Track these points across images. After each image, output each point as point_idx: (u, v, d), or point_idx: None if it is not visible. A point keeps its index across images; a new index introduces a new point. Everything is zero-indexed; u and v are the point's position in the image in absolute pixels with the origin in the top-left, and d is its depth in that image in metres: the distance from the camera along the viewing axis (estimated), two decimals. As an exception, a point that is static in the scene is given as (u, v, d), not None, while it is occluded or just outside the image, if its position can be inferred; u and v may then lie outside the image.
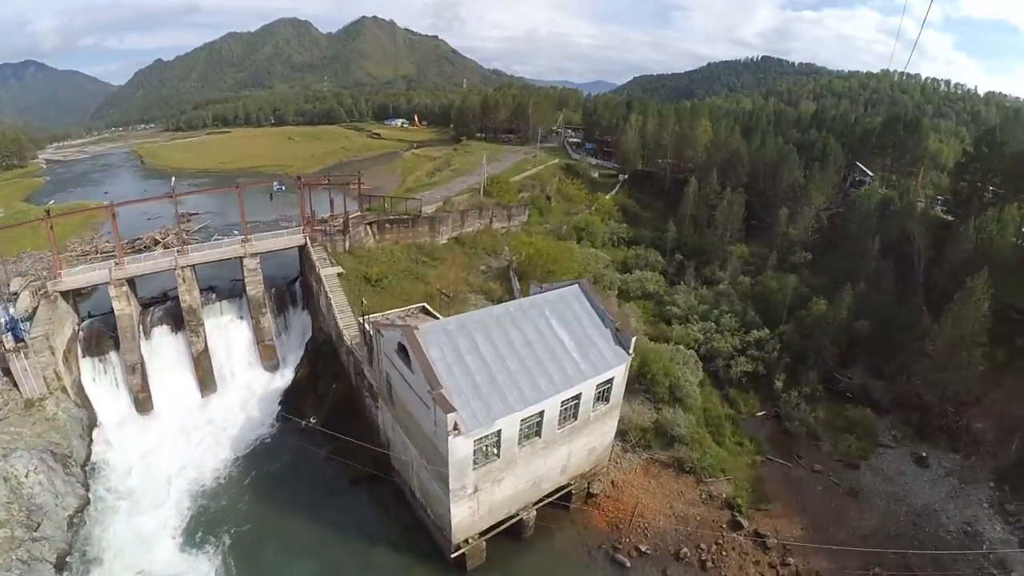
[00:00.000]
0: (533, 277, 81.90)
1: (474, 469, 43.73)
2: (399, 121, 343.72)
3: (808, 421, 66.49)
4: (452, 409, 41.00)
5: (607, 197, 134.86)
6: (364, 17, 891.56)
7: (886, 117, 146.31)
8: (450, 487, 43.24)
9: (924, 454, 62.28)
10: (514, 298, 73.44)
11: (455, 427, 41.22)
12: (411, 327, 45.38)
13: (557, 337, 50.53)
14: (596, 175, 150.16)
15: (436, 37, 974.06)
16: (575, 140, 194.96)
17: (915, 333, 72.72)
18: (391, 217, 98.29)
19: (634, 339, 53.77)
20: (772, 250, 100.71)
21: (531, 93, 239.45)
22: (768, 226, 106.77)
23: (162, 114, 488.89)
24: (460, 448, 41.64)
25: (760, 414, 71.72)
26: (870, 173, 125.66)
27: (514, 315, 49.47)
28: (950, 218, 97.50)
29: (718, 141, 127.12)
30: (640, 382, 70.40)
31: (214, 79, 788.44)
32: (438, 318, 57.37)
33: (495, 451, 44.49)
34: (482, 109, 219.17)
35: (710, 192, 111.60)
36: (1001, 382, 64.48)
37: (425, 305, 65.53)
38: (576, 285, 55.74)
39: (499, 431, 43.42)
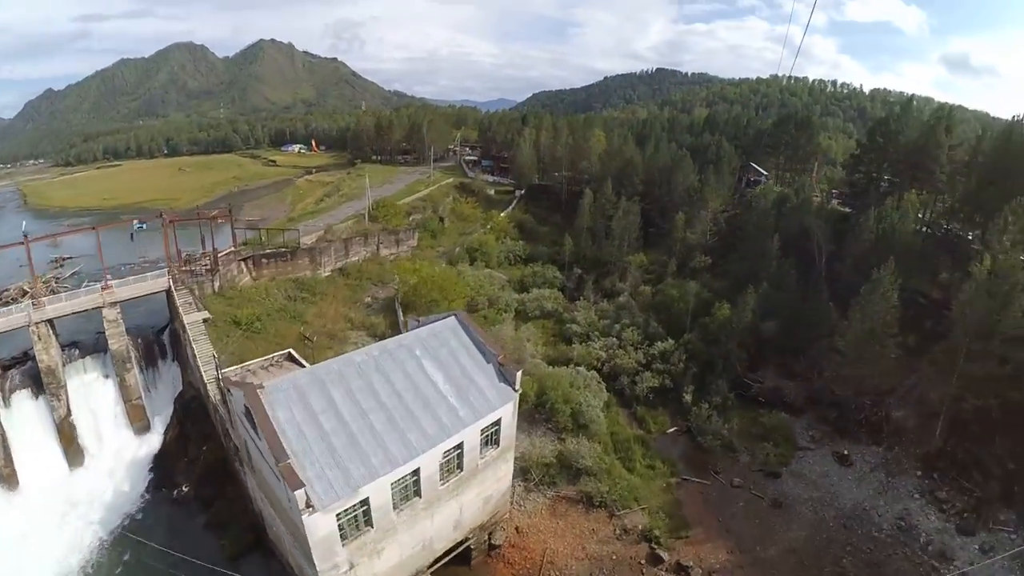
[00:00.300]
0: (418, 308, 75.15)
1: (344, 545, 36.97)
2: (296, 147, 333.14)
3: (721, 433, 63.08)
4: (301, 484, 33.26)
5: (502, 215, 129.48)
6: (262, 40, 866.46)
7: (777, 118, 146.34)
8: (317, 569, 36.53)
9: (846, 452, 60.33)
10: (400, 332, 66.22)
11: (308, 504, 33.62)
12: (253, 386, 37.39)
13: (430, 381, 43.39)
14: (492, 192, 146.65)
15: (336, 59, 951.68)
16: (471, 158, 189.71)
17: (823, 329, 70.21)
18: (268, 251, 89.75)
19: (519, 373, 47.22)
20: (671, 257, 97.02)
21: (426, 112, 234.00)
22: (666, 233, 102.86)
23: (52, 148, 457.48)
24: (320, 526, 34.86)
25: (671, 431, 67.09)
26: (764, 172, 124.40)
27: (379, 361, 42.60)
28: (847, 210, 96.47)
29: (612, 151, 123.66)
30: (540, 411, 64.28)
31: (107, 108, 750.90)
32: (304, 366, 50.33)
33: (366, 521, 37.82)
34: (376, 131, 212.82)
35: (605, 203, 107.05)
36: (916, 367, 62.65)
37: (291, 352, 57.69)
38: (452, 317, 49.65)
39: (366, 499, 36.71)
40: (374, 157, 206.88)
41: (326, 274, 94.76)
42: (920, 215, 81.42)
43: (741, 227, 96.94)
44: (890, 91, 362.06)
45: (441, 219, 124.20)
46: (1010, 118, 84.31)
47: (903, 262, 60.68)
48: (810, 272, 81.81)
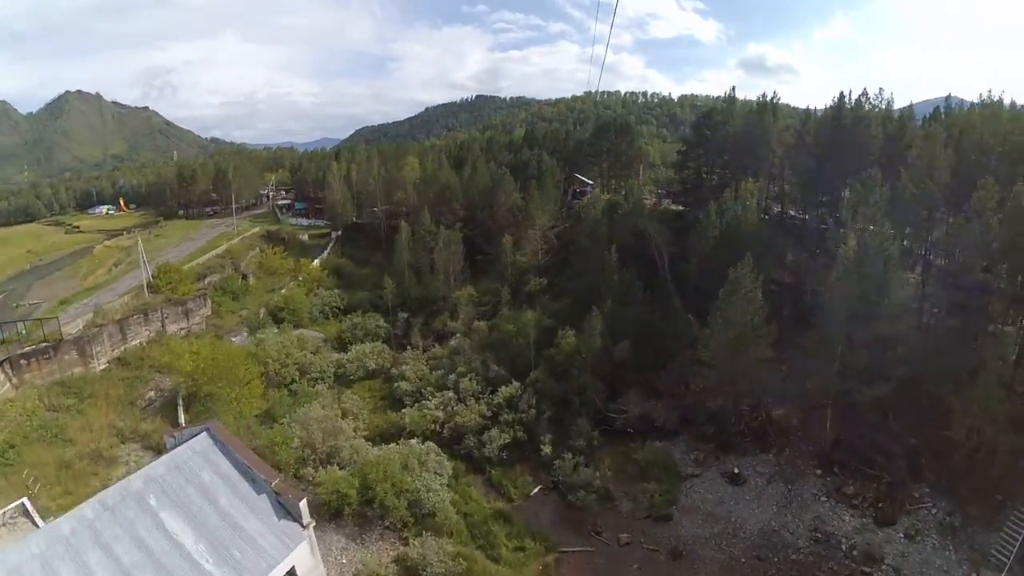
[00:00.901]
0: (197, 402, 59.00)
1: None
2: (104, 208, 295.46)
3: (594, 484, 52.67)
4: None
5: (315, 262, 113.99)
6: (68, 92, 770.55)
7: (595, 127, 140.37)
8: None
9: (736, 469, 53.13)
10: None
11: None
12: None
13: (174, 544, 28.30)
14: (306, 237, 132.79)
15: (147, 109, 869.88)
16: (284, 202, 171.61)
17: (684, 340, 62.09)
18: (27, 349, 69.43)
19: (303, 502, 33.10)
20: (504, 284, 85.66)
21: (232, 158, 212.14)
22: (495, 258, 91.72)
23: None
24: None
25: (535, 492, 55.51)
26: (590, 182, 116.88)
27: (95, 527, 27.79)
28: (681, 208, 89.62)
29: (427, 177, 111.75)
30: (371, 509, 50.17)
31: None
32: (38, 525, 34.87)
33: None
34: (179, 183, 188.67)
35: (425, 234, 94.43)
36: (785, 358, 56.08)
37: (25, 503, 40.33)
38: (204, 434, 34.47)
39: None
40: (180, 212, 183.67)
41: (102, 367, 74.80)
42: (756, 203, 75.55)
43: (574, 240, 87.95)
44: (697, 95, 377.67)
45: (244, 277, 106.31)
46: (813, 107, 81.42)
47: (754, 253, 54.95)
48: (654, 280, 74.14)
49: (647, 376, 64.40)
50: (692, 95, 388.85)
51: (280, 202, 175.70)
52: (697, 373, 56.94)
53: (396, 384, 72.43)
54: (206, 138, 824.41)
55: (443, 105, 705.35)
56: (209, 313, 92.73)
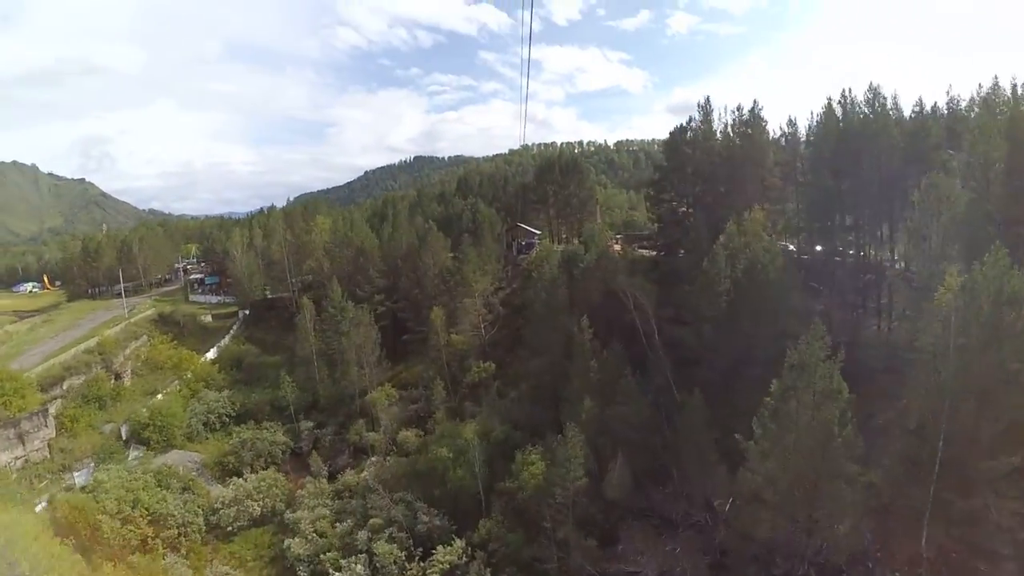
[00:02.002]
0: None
1: None
2: (28, 285, 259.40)
3: None
4: None
5: (208, 355, 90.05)
6: (2, 163, 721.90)
7: (538, 167, 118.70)
8: None
9: None
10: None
11: None
12: None
13: None
14: (209, 319, 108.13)
15: (84, 180, 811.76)
16: (197, 276, 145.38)
17: (702, 447, 42.17)
18: None
19: None
20: (437, 373, 62.33)
21: (138, 231, 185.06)
22: (426, 337, 67.92)
23: None
24: None
25: None
26: (537, 232, 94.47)
27: None
28: (653, 253, 68.90)
29: (338, 240, 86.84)
30: None
31: None
32: None
33: None
34: (83, 259, 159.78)
35: (335, 312, 70.05)
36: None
37: None
38: None
39: None
40: (90, 291, 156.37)
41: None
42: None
43: (525, 306, 65.61)
44: (632, 140, 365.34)
45: (118, 377, 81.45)
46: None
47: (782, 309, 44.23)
48: (642, 359, 51.75)
49: (652, 498, 44.74)
50: (627, 140, 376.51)
51: (193, 276, 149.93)
52: (739, 500, 39.29)
53: (286, 544, 48.78)
54: (144, 210, 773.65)
55: (382, 168, 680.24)
56: (53, 435, 66.84)
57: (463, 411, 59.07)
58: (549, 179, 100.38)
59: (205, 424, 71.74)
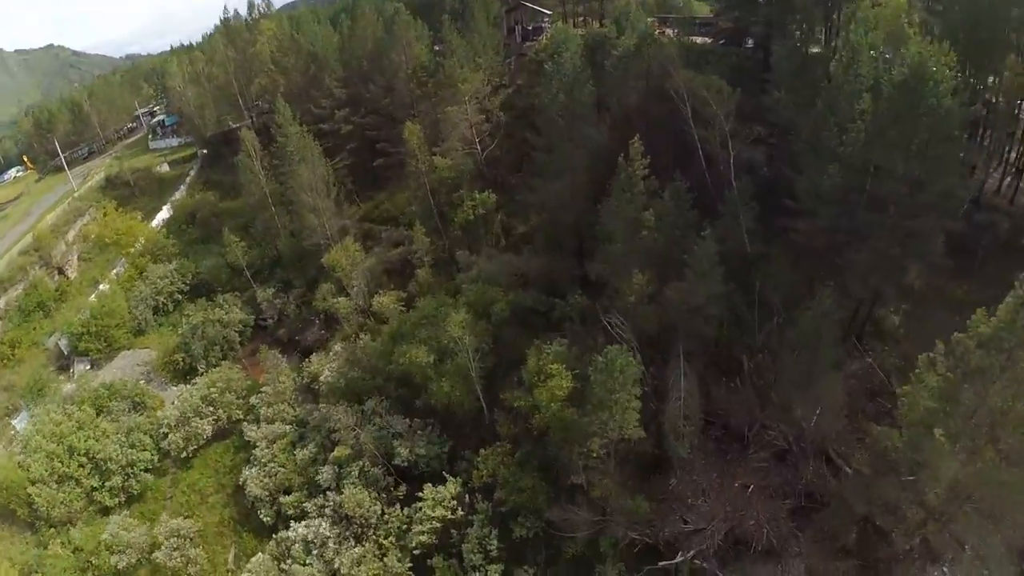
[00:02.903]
0: None
1: None
2: (12, 172, 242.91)
3: None
4: None
5: (156, 220, 75.63)
6: None
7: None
8: None
9: None
10: None
11: None
12: None
13: None
14: (166, 167, 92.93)
15: (52, 46, 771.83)
16: (160, 119, 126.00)
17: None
18: None
19: None
20: (419, 214, 46.85)
21: (93, 84, 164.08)
22: (403, 161, 50.37)
23: None
24: None
25: None
26: (547, 12, 71.97)
27: None
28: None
29: (284, 47, 67.53)
30: None
31: None
32: None
33: None
34: (36, 133, 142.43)
35: (284, 141, 52.33)
36: None
37: None
38: None
39: None
40: (56, 164, 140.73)
41: None
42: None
43: (534, 110, 46.13)
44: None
45: (61, 271, 69.01)
46: None
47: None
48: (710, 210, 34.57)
49: (715, 399, 32.25)
50: None
51: (155, 120, 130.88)
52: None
53: (243, 478, 39.89)
54: (121, 57, 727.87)
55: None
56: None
57: (453, 266, 42.95)
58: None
59: (155, 309, 60.17)
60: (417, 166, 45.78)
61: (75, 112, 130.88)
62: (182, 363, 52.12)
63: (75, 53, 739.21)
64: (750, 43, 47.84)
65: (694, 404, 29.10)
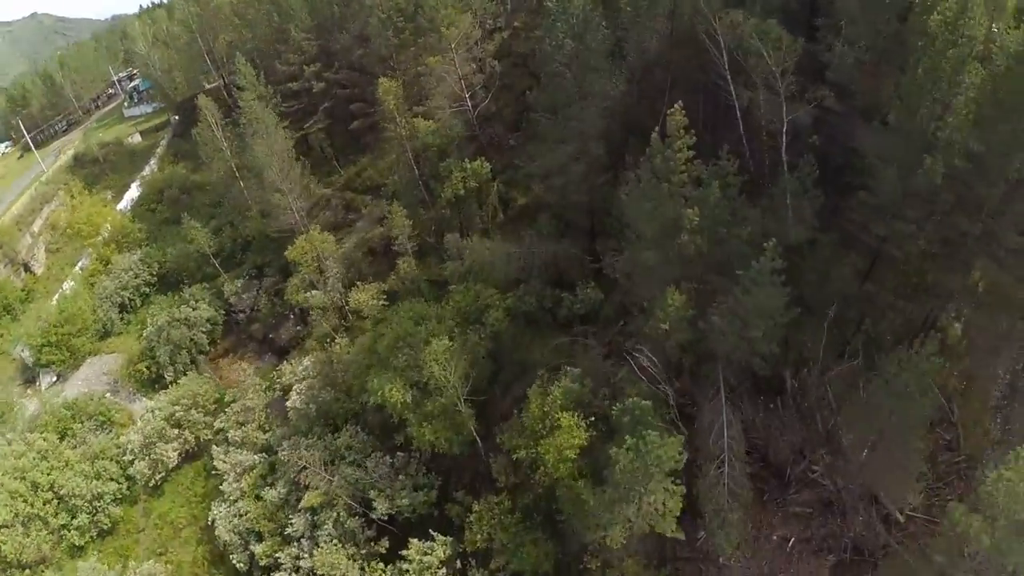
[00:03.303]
0: None
1: None
2: (2, 146, 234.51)
3: None
4: None
5: (122, 203, 69.19)
6: None
7: None
8: None
9: None
10: None
11: None
12: None
13: None
14: (138, 138, 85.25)
15: (34, 14, 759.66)
16: (135, 84, 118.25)
17: None
18: None
19: None
20: (400, 187, 40.80)
21: (66, 52, 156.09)
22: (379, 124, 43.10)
23: None
24: None
25: None
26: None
27: None
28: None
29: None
30: None
31: None
32: None
33: None
34: (11, 108, 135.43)
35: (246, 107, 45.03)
36: None
37: None
38: None
39: None
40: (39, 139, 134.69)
41: None
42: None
43: (537, 59, 38.23)
44: None
45: (27, 268, 64.10)
46: None
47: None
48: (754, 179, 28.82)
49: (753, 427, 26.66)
50: None
51: (131, 86, 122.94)
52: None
53: (212, 517, 35.42)
54: (106, 19, 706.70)
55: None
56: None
57: (442, 251, 35.77)
58: None
59: (121, 306, 54.38)
60: (396, 130, 38.29)
61: (48, 85, 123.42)
62: (147, 373, 46.51)
63: (59, 19, 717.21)
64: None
65: (741, 471, 22.33)
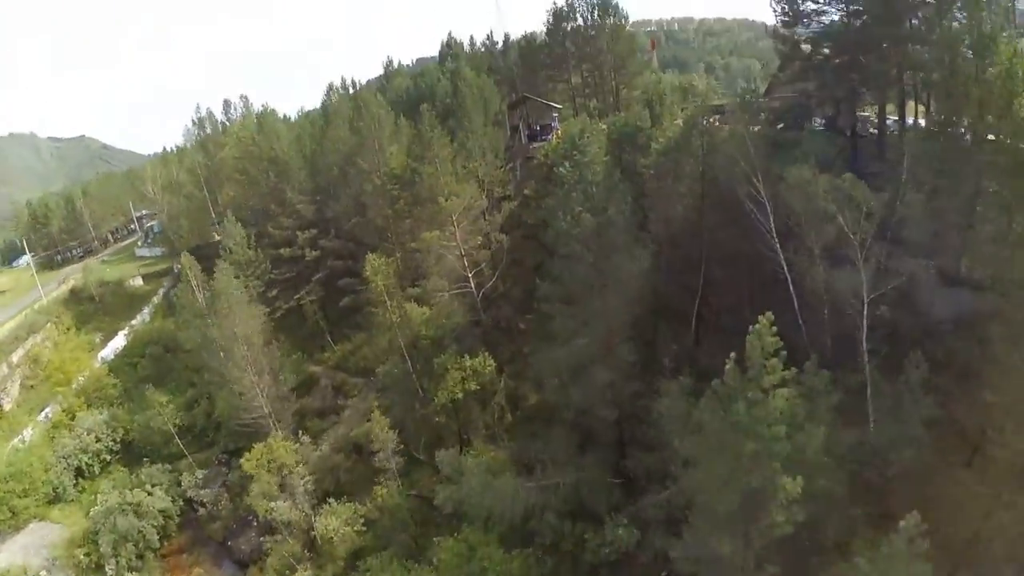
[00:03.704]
0: None
1: None
2: (24, 259, 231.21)
3: None
4: None
5: (103, 353, 63.53)
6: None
7: (553, 11, 79.51)
8: None
9: None
10: None
11: None
12: None
13: None
14: (140, 281, 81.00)
15: (84, 137, 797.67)
16: (152, 224, 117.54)
17: None
18: None
19: None
20: (393, 381, 34.09)
21: (91, 181, 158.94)
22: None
23: None
24: None
25: None
26: (558, 107, 60.60)
27: None
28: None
29: (249, 154, 56.53)
30: None
31: None
32: None
33: None
34: (32, 227, 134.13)
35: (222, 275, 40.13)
36: None
37: None
38: None
39: None
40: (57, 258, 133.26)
41: None
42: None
43: (547, 234, 31.32)
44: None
45: None
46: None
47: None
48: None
49: None
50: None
51: (149, 225, 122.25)
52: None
53: None
54: (149, 155, 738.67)
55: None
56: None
57: (434, 466, 29.19)
58: (570, 31, 65.53)
59: (79, 471, 46.98)
60: (386, 316, 32.87)
61: (69, 208, 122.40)
62: (87, 560, 38.74)
63: (104, 146, 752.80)
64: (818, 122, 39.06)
65: None
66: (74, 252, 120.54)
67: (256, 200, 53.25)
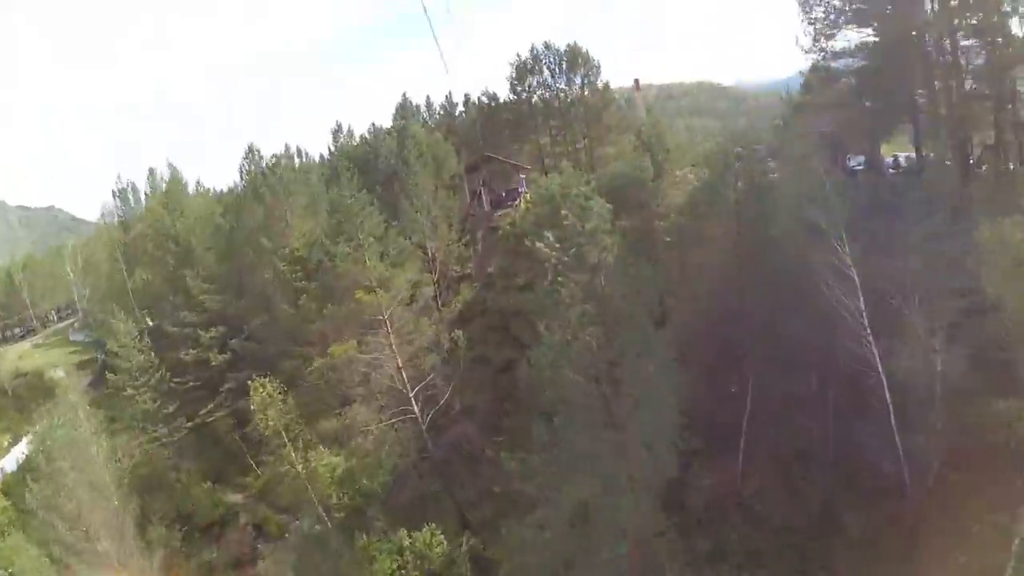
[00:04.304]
0: None
1: None
2: None
3: None
4: None
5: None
6: None
7: (517, 64, 70.69)
8: None
9: None
10: None
11: None
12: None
13: None
14: (61, 373, 64.71)
15: (52, 208, 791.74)
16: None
17: None
18: None
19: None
20: None
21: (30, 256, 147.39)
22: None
23: None
24: None
25: None
26: (527, 167, 51.45)
27: None
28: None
29: (154, 233, 45.65)
30: None
31: None
32: None
33: None
34: None
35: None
36: None
37: None
38: None
39: None
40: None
41: None
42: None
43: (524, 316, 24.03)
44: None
45: None
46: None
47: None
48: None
49: None
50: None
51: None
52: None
53: None
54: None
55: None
56: None
57: None
58: (535, 85, 56.97)
59: None
60: (286, 466, 22.12)
61: (8, 284, 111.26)
62: None
63: (73, 218, 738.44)
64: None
65: None
66: (14, 332, 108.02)
67: (159, 287, 42.25)
